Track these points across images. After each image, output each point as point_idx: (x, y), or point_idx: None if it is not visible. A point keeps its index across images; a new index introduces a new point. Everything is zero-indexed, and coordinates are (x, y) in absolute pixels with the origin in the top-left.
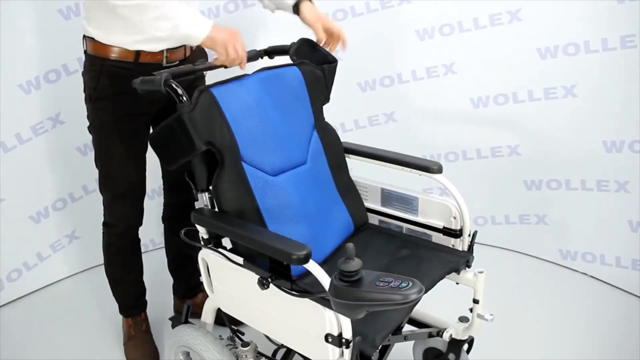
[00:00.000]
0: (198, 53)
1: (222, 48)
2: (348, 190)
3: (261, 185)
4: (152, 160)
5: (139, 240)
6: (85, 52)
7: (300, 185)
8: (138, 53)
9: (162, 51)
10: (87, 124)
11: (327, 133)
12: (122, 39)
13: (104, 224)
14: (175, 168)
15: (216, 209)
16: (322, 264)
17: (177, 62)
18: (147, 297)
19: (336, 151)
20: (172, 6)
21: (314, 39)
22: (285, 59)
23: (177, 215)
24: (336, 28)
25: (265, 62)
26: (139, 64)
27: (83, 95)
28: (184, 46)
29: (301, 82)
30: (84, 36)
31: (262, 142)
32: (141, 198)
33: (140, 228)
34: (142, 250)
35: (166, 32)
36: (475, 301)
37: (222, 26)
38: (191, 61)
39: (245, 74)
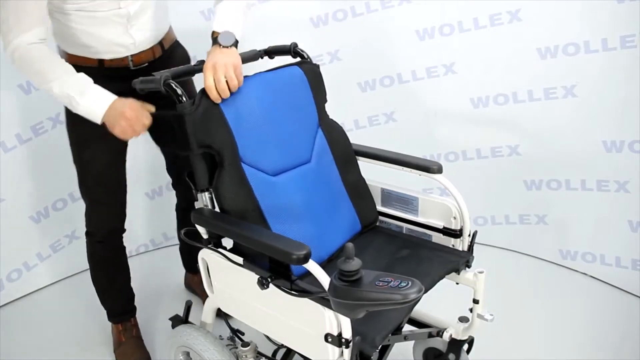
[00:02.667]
0: (174, 50)
1: (120, 133)
2: (357, 188)
3: (261, 186)
4: (152, 159)
5: (123, 248)
6: None
7: (304, 183)
8: (100, 60)
9: (127, 56)
10: None
11: (333, 131)
12: (79, 50)
13: (86, 233)
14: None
15: (217, 209)
16: (327, 262)
17: (146, 63)
18: (145, 299)
19: (343, 148)
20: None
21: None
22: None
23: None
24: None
25: (266, 61)
26: (105, 68)
27: None
28: (152, 48)
29: (304, 81)
30: None
31: (262, 143)
32: (122, 204)
33: (141, 228)
34: (143, 250)
35: (60, 99)
36: (475, 301)
37: (124, 106)
38: (166, 59)
39: (246, 75)
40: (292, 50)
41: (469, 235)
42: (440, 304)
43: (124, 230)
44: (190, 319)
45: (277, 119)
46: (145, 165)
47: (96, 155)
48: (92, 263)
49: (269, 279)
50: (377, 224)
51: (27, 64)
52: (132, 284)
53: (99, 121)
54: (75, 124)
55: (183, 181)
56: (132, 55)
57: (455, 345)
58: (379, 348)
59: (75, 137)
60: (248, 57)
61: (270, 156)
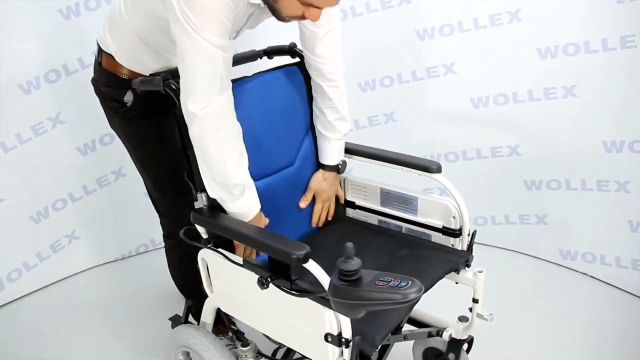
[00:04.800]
0: None
1: None
2: None
3: None
4: None
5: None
6: (99, 64)
7: (284, 187)
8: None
9: None
10: (87, 124)
11: None
12: (145, 66)
13: (165, 236)
14: None
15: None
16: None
17: None
18: (144, 299)
19: None
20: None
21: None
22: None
23: None
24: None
25: (265, 61)
26: None
27: (85, 97)
28: None
29: (301, 82)
30: (100, 49)
31: (254, 148)
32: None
33: (141, 228)
34: (143, 250)
35: (215, 193)
36: (475, 301)
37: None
38: None
39: (245, 76)
40: (290, 50)
41: (469, 234)
42: (440, 303)
43: None
44: (189, 319)
45: (272, 123)
46: None
47: (168, 148)
48: (175, 261)
49: (269, 279)
50: (377, 223)
51: None
52: (132, 284)
53: (247, 220)
54: (138, 131)
55: None
56: None
57: (455, 344)
58: (379, 348)
59: (139, 142)
60: (247, 57)
61: (258, 161)
